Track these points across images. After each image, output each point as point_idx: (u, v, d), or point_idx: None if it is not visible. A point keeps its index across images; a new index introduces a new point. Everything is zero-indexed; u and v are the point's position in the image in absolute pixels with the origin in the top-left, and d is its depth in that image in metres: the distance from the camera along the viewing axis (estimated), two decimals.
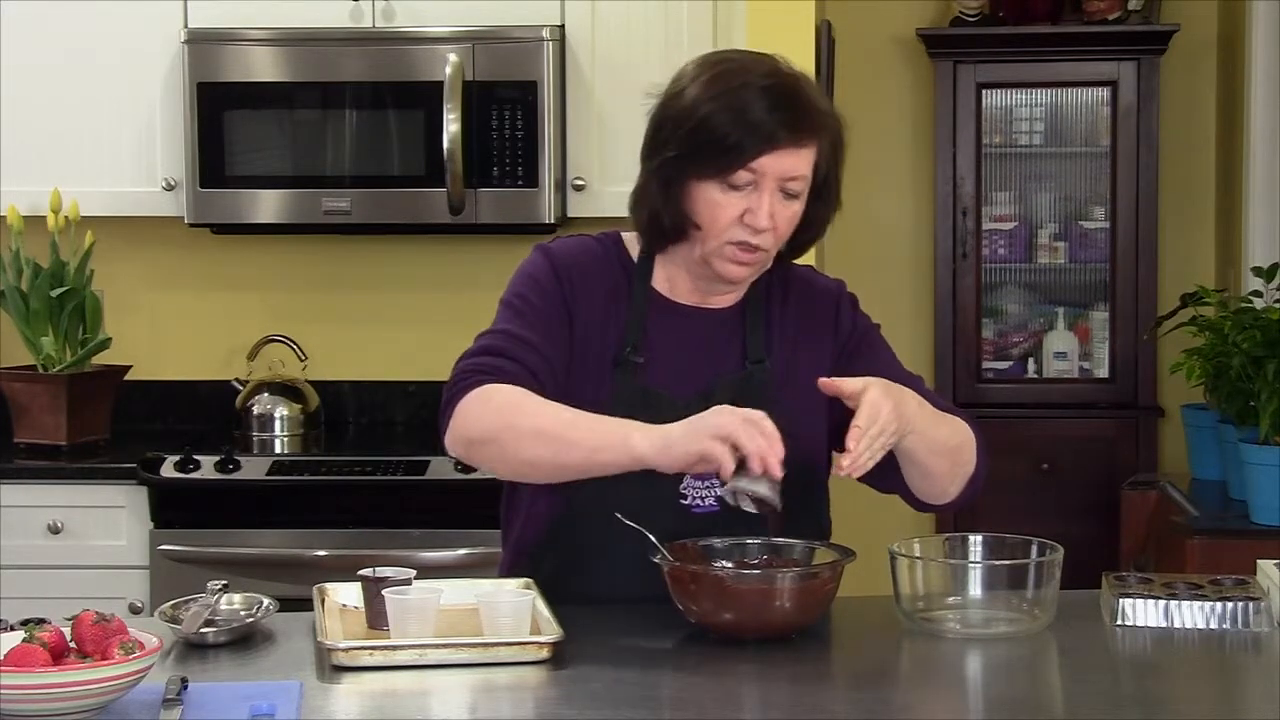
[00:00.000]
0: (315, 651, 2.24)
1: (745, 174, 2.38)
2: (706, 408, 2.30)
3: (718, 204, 2.40)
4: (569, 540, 2.46)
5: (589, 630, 2.27)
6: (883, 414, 2.30)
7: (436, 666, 2.17)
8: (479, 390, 2.37)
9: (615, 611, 2.38)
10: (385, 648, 2.20)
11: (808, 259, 2.64)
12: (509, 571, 2.52)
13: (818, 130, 2.41)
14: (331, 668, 2.17)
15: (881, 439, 2.30)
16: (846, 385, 2.34)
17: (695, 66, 2.46)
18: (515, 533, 2.55)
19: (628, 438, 2.28)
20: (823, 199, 2.47)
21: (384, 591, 2.27)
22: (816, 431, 2.48)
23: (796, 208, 2.43)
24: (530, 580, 2.40)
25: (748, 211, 2.39)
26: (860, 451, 2.27)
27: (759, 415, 2.25)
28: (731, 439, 2.22)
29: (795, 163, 2.39)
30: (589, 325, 2.47)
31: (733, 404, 2.33)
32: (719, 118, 2.38)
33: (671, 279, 2.52)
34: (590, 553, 2.45)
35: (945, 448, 2.46)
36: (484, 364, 2.41)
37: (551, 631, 2.23)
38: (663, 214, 2.44)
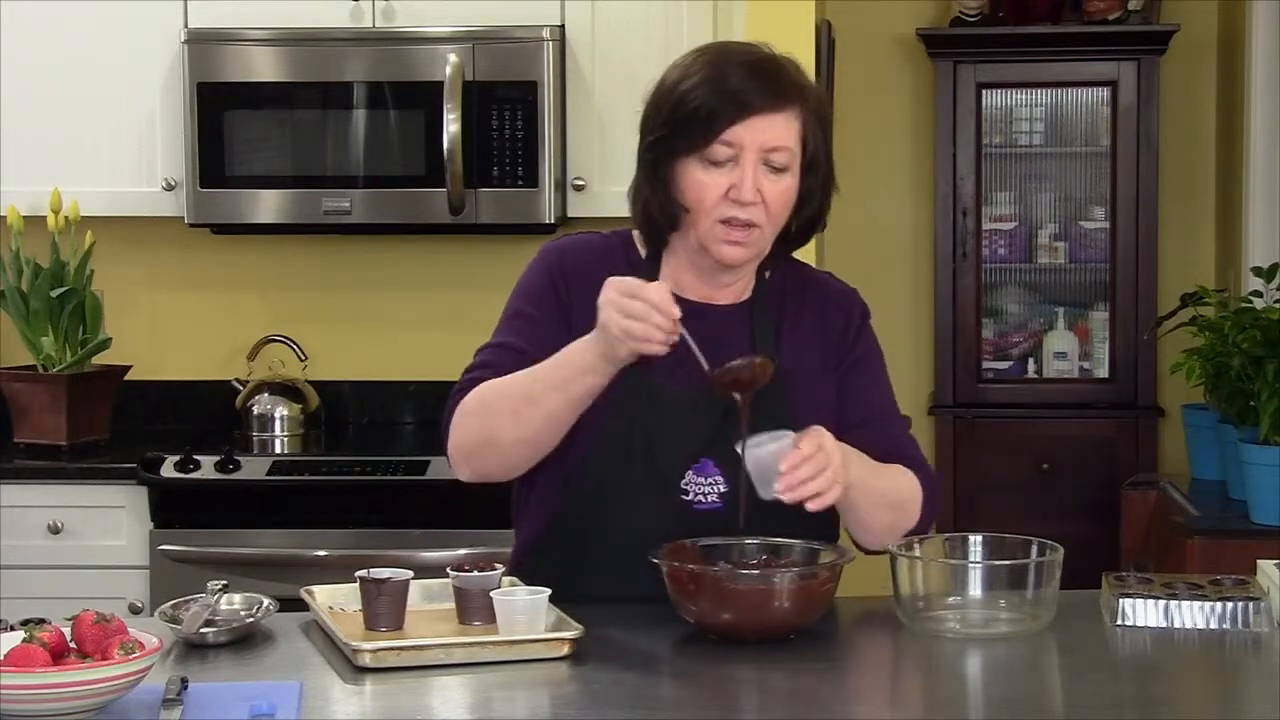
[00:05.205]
0: (324, 651, 2.24)
1: (724, 148, 2.38)
2: (713, 403, 2.35)
3: (702, 183, 2.40)
4: (569, 540, 2.46)
5: (589, 630, 2.26)
6: (826, 445, 2.30)
7: (436, 667, 2.17)
8: (459, 407, 2.45)
9: (615, 611, 2.37)
10: (413, 648, 2.20)
11: (809, 258, 2.63)
12: (513, 571, 2.52)
13: (794, 98, 2.40)
14: (356, 669, 2.16)
15: (820, 473, 2.27)
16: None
17: (686, 55, 2.48)
18: (521, 534, 2.57)
19: (585, 368, 2.33)
20: (815, 174, 2.45)
21: (493, 594, 2.26)
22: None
23: (787, 183, 2.41)
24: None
25: (732, 187, 2.39)
26: (796, 477, 2.26)
27: (633, 293, 2.27)
28: (630, 339, 2.27)
29: (775, 133, 2.38)
30: (591, 322, 2.47)
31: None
32: (697, 90, 2.39)
33: (677, 276, 2.52)
34: (590, 553, 2.45)
35: (886, 502, 2.46)
36: (468, 380, 2.47)
37: (569, 628, 2.23)
38: (652, 201, 2.45)
